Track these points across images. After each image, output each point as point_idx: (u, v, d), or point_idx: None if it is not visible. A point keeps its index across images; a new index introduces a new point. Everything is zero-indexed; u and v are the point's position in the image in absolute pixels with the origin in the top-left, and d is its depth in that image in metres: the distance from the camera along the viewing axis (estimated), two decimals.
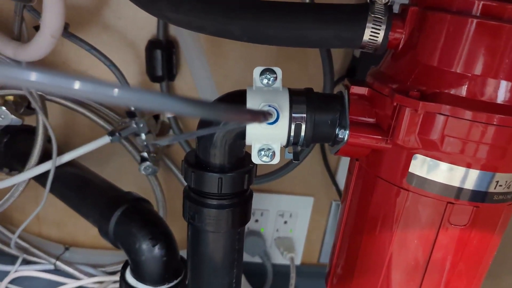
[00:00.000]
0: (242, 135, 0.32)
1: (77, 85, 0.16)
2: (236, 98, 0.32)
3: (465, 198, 0.29)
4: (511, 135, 0.28)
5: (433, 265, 0.32)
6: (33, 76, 0.15)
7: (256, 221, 0.72)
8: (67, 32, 0.51)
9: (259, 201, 0.71)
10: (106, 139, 0.55)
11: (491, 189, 0.29)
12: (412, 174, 0.30)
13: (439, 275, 0.32)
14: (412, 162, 0.30)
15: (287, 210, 0.72)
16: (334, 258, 0.39)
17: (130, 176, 0.65)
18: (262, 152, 0.33)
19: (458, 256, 0.31)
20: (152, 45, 0.57)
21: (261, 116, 0.25)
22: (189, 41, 0.48)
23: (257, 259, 0.73)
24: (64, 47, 0.59)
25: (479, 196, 0.29)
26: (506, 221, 0.32)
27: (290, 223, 0.73)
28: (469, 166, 0.29)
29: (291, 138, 0.32)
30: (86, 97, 0.15)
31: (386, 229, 0.32)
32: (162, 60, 0.57)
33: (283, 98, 0.32)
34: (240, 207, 0.35)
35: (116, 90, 0.15)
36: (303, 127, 0.32)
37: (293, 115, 0.31)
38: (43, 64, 0.59)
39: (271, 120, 0.30)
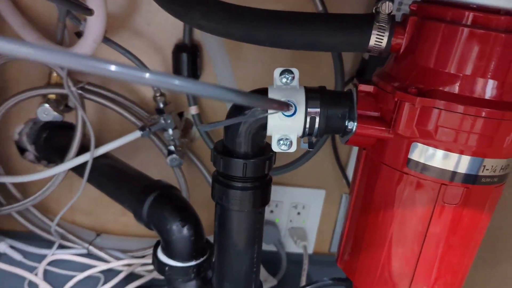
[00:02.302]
0: (264, 126, 0.37)
1: (147, 75, 0.21)
2: (261, 93, 0.38)
3: (457, 180, 0.34)
4: (497, 126, 0.33)
5: (430, 239, 0.36)
6: (114, 67, 0.21)
7: (271, 211, 0.77)
8: (105, 37, 0.57)
9: (273, 193, 0.75)
10: (137, 134, 0.61)
11: (480, 173, 0.34)
12: (411, 160, 0.35)
13: (435, 248, 0.37)
14: (411, 149, 0.35)
15: (300, 202, 0.77)
16: (343, 238, 0.44)
17: (157, 167, 0.70)
18: (281, 142, 0.38)
19: (452, 231, 0.36)
20: (178, 49, 0.63)
21: (284, 106, 0.30)
22: (214, 46, 0.53)
23: (272, 247, 0.78)
24: (99, 50, 0.65)
25: (469, 179, 0.34)
26: (493, 202, 0.37)
27: (303, 214, 0.78)
28: (461, 152, 0.33)
29: (307, 130, 0.37)
30: (157, 85, 0.20)
31: (389, 208, 0.37)
32: (187, 62, 0.63)
33: (300, 95, 0.37)
34: (261, 189, 0.41)
35: (177, 81, 0.20)
36: (317, 120, 0.37)
37: (308, 109, 0.37)
38: None
39: (290, 113, 0.36)
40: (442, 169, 0.34)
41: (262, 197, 0.41)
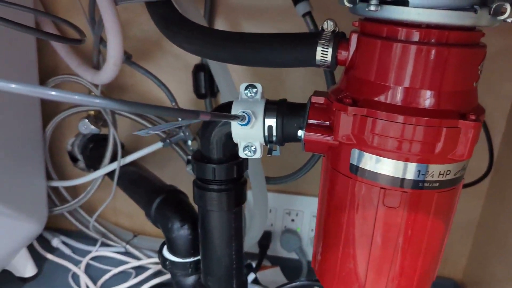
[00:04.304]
0: (230, 135, 0.42)
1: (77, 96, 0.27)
2: (225, 107, 0.42)
3: (394, 184, 0.36)
4: (422, 131, 0.34)
5: (376, 242, 0.38)
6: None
7: (292, 220, 0.80)
8: (129, 60, 0.66)
9: (294, 202, 0.80)
10: (159, 145, 0.69)
11: (416, 177, 0.36)
12: (352, 165, 0.37)
13: (383, 250, 0.38)
14: (351, 155, 0.37)
15: None
16: (314, 242, 0.47)
17: (183, 175, 0.77)
18: (246, 148, 0.42)
19: (397, 234, 0.38)
20: (197, 69, 0.70)
21: (226, 116, 0.35)
22: (215, 65, 0.59)
23: (293, 255, 0.81)
24: (133, 72, 0.75)
25: (406, 183, 0.36)
26: (443, 207, 0.38)
27: None
28: (396, 158, 0.35)
29: (266, 138, 0.42)
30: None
31: (340, 211, 0.40)
32: (205, 81, 0.70)
33: (260, 107, 0.41)
34: (234, 191, 0.45)
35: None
36: (274, 128, 0.41)
37: (265, 119, 0.41)
38: (116, 86, 0.75)
39: (243, 123, 0.40)
40: (379, 173, 0.36)
41: (235, 198, 0.46)
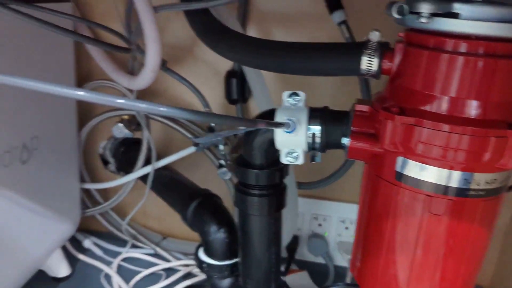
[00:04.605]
0: (272, 142, 0.43)
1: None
2: (268, 114, 0.44)
3: (440, 192, 0.37)
4: (469, 140, 0.35)
5: (420, 248, 0.39)
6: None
7: (320, 225, 0.81)
8: (164, 67, 0.68)
9: (322, 207, 0.80)
10: (191, 149, 0.70)
11: (462, 186, 0.36)
12: (398, 173, 0.38)
13: (427, 256, 0.39)
14: (397, 163, 0.38)
15: (348, 217, 0.80)
16: (353, 246, 0.47)
17: (214, 179, 0.78)
18: (289, 155, 0.43)
19: (441, 241, 0.38)
20: (229, 75, 0.72)
21: (268, 124, 0.36)
22: (251, 72, 0.60)
23: (320, 260, 0.82)
24: (165, 77, 0.76)
25: (452, 191, 0.36)
26: (488, 215, 0.38)
27: (352, 229, 0.80)
28: (440, 166, 0.36)
29: (309, 145, 0.43)
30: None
31: (384, 218, 0.41)
32: (236, 86, 0.71)
33: (303, 114, 0.42)
34: (275, 196, 0.46)
35: (142, 105, 0.27)
36: (317, 136, 0.42)
37: (309, 126, 0.42)
38: (149, 92, 0.77)
39: (289, 130, 0.41)
40: (424, 181, 0.37)
41: (276, 203, 0.47)
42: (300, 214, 0.81)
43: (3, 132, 0.54)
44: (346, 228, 0.81)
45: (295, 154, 0.43)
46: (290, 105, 0.44)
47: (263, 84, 0.61)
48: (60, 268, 0.74)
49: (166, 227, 0.87)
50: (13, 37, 0.54)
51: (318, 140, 0.42)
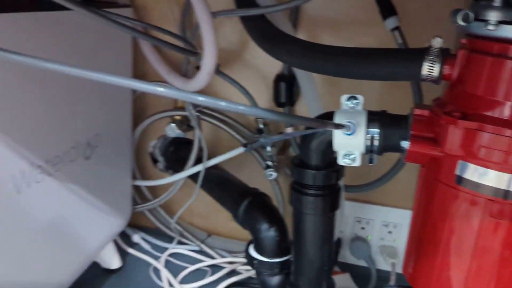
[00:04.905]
0: (330, 143, 0.45)
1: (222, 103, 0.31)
2: (327, 116, 0.45)
3: (502, 196, 0.37)
4: None
5: (479, 252, 0.39)
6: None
7: (362, 228, 0.82)
8: (217, 70, 0.70)
9: (365, 211, 0.81)
10: (240, 150, 0.72)
11: None
12: (459, 177, 0.39)
13: (485, 261, 0.40)
14: (458, 167, 0.39)
15: (391, 221, 0.80)
16: (407, 248, 0.48)
17: (259, 179, 0.80)
18: (346, 157, 0.45)
19: (500, 245, 0.39)
20: (278, 78, 0.73)
21: (334, 126, 0.38)
22: (303, 76, 0.62)
23: (362, 263, 0.82)
24: (215, 81, 0.79)
25: (510, 195, 0.37)
26: None
27: (395, 233, 0.81)
28: (501, 170, 0.37)
29: (368, 147, 0.44)
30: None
31: (442, 221, 0.41)
32: (285, 90, 0.73)
33: (362, 117, 0.44)
34: (330, 197, 0.48)
35: (222, 103, 0.30)
36: (376, 139, 0.43)
37: (368, 129, 0.43)
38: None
39: (350, 132, 0.42)
40: (485, 185, 0.37)
41: (331, 204, 0.48)
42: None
43: (71, 129, 0.58)
44: (389, 232, 0.81)
45: (352, 156, 0.45)
46: (348, 108, 0.45)
47: (314, 87, 0.63)
48: (112, 260, 0.77)
49: (210, 225, 0.90)
50: (85, 40, 0.58)
51: (376, 143, 0.43)
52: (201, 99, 0.32)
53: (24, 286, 0.53)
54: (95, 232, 0.69)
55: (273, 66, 0.75)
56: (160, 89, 0.32)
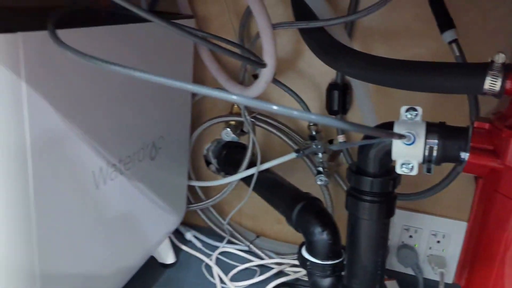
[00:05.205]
0: (389, 152, 0.47)
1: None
2: (387, 126, 0.47)
3: None
4: None
5: None
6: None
7: (410, 236, 0.82)
8: (274, 78, 0.74)
9: (413, 219, 0.82)
10: (293, 155, 0.75)
11: None
12: None
13: None
14: None
15: (441, 231, 0.80)
16: (461, 257, 0.49)
17: (308, 184, 0.82)
18: (404, 165, 0.47)
19: None
20: (331, 87, 0.76)
21: (397, 136, 0.40)
22: (359, 86, 0.64)
23: (409, 271, 0.83)
24: (268, 88, 0.82)
25: None
26: None
27: (443, 243, 0.81)
28: None
29: (426, 157, 0.45)
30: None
31: (500, 232, 0.43)
32: (338, 98, 0.75)
33: (421, 128, 0.45)
34: (385, 204, 0.50)
35: (295, 112, 0.32)
36: (435, 149, 0.45)
37: (427, 140, 0.45)
38: None
39: (408, 142, 0.44)
40: None
41: (387, 210, 0.50)
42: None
43: (141, 132, 0.62)
44: (438, 241, 0.81)
45: (410, 165, 0.46)
46: (407, 119, 0.47)
47: (369, 97, 0.65)
48: (168, 256, 0.82)
49: (259, 226, 0.93)
50: (153, 50, 0.62)
51: (435, 153, 0.45)
52: (275, 108, 0.35)
53: (98, 272, 0.58)
54: (155, 228, 0.74)
55: (327, 75, 0.78)
56: (233, 97, 0.35)
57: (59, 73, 0.44)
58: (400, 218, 0.82)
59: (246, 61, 0.59)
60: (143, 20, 0.49)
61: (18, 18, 0.52)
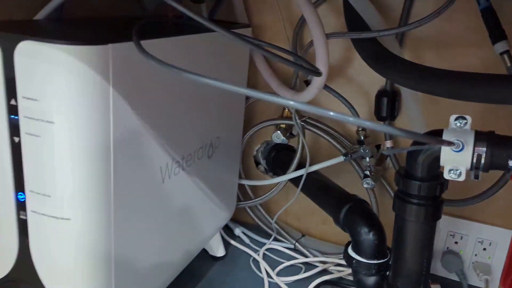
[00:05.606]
0: (437, 158, 0.49)
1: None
2: (436, 134, 0.50)
3: None
4: None
5: None
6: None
7: (456, 243, 0.83)
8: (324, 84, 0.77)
9: (459, 226, 0.83)
10: (340, 158, 0.78)
11: None
12: None
13: None
14: None
15: (487, 238, 0.81)
16: (506, 262, 0.51)
17: (354, 187, 0.85)
18: (452, 171, 0.49)
19: None
20: (380, 94, 0.78)
21: (446, 143, 0.42)
22: (409, 94, 0.67)
23: (454, 277, 0.84)
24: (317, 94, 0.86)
25: None
26: None
27: (489, 250, 0.81)
28: None
29: (474, 164, 0.48)
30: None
31: None
32: (386, 105, 0.77)
33: (470, 136, 0.48)
34: (432, 207, 0.52)
35: (350, 119, 0.36)
36: (483, 157, 0.47)
37: (475, 148, 0.47)
38: None
39: (457, 149, 0.47)
40: None
41: (433, 213, 0.53)
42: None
43: (202, 131, 0.68)
44: (484, 249, 0.82)
45: (458, 171, 0.49)
46: (456, 127, 0.49)
47: (419, 105, 0.67)
48: (218, 249, 0.87)
49: (304, 226, 0.96)
50: (214, 59, 0.68)
51: (482, 160, 0.47)
52: (331, 114, 0.38)
53: (161, 259, 0.64)
54: (209, 221, 0.79)
55: (375, 83, 0.80)
56: (291, 102, 0.39)
57: (139, 79, 0.50)
58: (445, 224, 0.83)
59: (302, 69, 0.63)
60: (206, 30, 0.54)
61: (103, 30, 0.59)
